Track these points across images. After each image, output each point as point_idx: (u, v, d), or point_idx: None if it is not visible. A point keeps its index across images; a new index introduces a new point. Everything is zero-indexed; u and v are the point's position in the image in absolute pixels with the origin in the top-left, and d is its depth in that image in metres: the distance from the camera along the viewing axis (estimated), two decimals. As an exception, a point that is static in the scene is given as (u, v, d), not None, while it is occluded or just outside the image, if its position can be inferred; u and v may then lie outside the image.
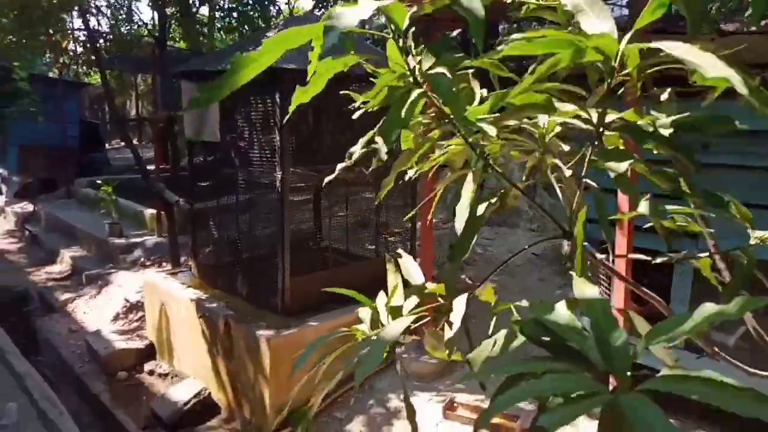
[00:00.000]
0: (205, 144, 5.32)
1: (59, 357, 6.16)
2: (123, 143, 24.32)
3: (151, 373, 5.59)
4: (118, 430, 4.75)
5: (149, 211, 9.69)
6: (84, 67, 16.07)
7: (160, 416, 4.69)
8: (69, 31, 12.30)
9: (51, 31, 9.01)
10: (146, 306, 5.89)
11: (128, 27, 14.47)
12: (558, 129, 1.15)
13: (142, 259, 8.32)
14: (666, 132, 1.00)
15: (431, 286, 1.27)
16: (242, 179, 4.91)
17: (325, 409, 4.50)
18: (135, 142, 25.02)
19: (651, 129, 1.01)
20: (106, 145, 17.26)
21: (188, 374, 5.26)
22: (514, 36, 0.91)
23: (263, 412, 4.37)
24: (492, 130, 1.00)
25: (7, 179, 14.01)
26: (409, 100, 1.00)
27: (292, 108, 1.01)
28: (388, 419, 4.30)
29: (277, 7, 15.26)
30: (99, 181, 9.33)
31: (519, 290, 6.37)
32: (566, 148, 1.17)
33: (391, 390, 4.58)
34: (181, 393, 4.81)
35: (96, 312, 6.99)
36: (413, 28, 0.98)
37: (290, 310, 4.72)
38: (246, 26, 13.78)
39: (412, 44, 1.00)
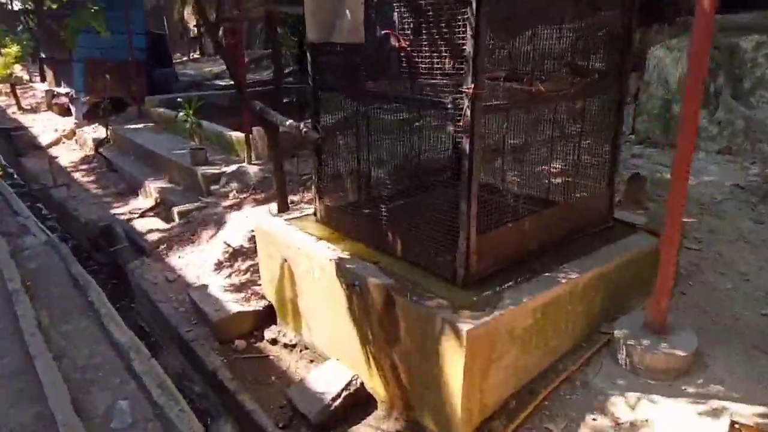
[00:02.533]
0: (339, 48, 3.86)
1: (158, 313, 5.18)
2: (185, 57, 23.12)
3: (274, 342, 4.50)
4: (250, 425, 3.70)
5: (235, 134, 8.48)
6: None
7: (302, 412, 3.59)
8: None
9: None
10: (261, 258, 4.73)
11: None
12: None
13: (235, 192, 7.18)
14: None
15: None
16: (401, 96, 3.47)
17: (530, 416, 3.27)
18: (196, 55, 23.77)
19: None
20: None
21: (324, 351, 4.12)
22: None
23: (449, 418, 3.18)
24: None
25: (75, 99, 13.06)
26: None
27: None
28: (626, 437, 3.03)
29: None
30: (179, 100, 8.09)
31: (734, 236, 4.81)
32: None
33: (615, 390, 3.28)
34: (326, 382, 3.68)
35: (193, 257, 5.95)
36: None
37: (473, 278, 3.40)
38: None
39: None
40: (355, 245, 4.04)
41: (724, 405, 3.08)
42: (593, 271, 3.61)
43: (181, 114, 7.93)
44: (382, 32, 3.42)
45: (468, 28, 2.94)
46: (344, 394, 3.60)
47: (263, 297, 4.80)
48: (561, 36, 3.48)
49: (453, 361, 3.06)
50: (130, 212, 7.87)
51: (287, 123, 4.56)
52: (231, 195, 7.16)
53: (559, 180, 3.84)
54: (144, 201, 8.39)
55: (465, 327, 2.97)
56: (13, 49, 15.17)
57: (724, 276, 4.31)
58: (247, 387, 4.05)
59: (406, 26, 3.35)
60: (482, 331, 3.01)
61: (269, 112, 5.23)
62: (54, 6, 15.05)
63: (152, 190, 8.21)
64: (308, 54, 4.09)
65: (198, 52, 24.15)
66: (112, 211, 8.03)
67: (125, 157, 10.12)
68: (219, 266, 5.58)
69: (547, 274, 3.54)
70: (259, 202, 6.82)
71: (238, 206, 6.81)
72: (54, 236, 6.88)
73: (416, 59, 3.30)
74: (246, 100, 5.34)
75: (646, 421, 3.06)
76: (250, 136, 7.80)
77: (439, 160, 4.73)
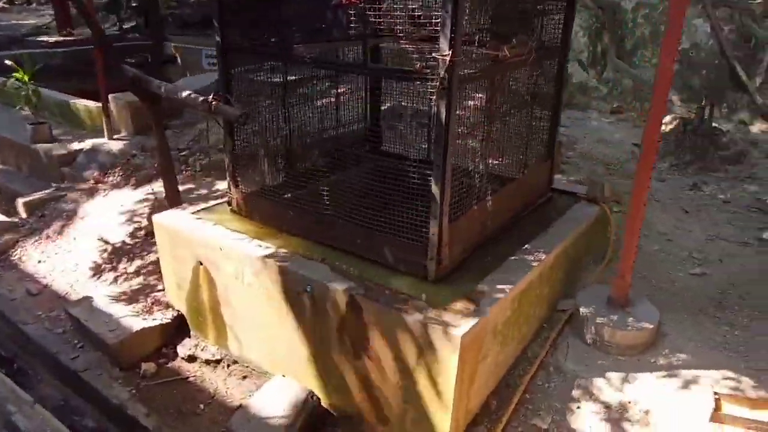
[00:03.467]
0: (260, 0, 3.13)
1: (24, 339, 4.13)
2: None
3: (191, 359, 3.77)
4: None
5: (84, 104, 7.13)
6: None
7: (252, 445, 3.01)
8: None
9: None
10: (163, 260, 3.91)
11: None
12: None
13: (96, 174, 6.02)
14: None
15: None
16: (352, 65, 2.89)
17: (514, 414, 3.03)
18: (2, 3, 20.01)
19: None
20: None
21: (262, 365, 3.52)
22: None
23: (434, 430, 2.83)
24: None
25: None
26: None
27: None
28: (614, 422, 2.92)
29: None
30: (8, 62, 6.51)
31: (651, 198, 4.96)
32: None
33: (591, 373, 3.15)
34: (275, 404, 3.11)
35: (59, 260, 4.86)
36: None
37: (444, 271, 3.02)
38: None
39: None
40: (290, 240, 3.44)
41: (696, 375, 3.08)
42: (557, 249, 3.42)
43: (11, 80, 6.40)
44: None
45: (446, -17, 2.44)
46: (302, 416, 3.07)
47: (168, 306, 4.00)
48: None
49: (442, 369, 2.68)
50: (-47, 206, 6.29)
51: (184, 94, 3.72)
52: (92, 178, 5.98)
53: (512, 154, 3.55)
54: (-30, 190, 6.77)
55: (456, 332, 2.59)
56: None
57: (648, 238, 4.41)
58: (170, 421, 3.34)
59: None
60: (473, 334, 2.66)
61: (148, 79, 4.28)
62: None
63: (-19, 176, 6.64)
64: (217, 7, 3.29)
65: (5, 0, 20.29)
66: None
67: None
68: (98, 270, 4.60)
69: (514, 257, 3.27)
70: (132, 186, 5.77)
71: (104, 192, 5.71)
72: None
73: (373, 19, 2.73)
74: (113, 62, 4.30)
75: (633, 401, 2.96)
76: (108, 106, 6.55)
77: (356, 131, 4.26)
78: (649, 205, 4.82)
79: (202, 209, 3.86)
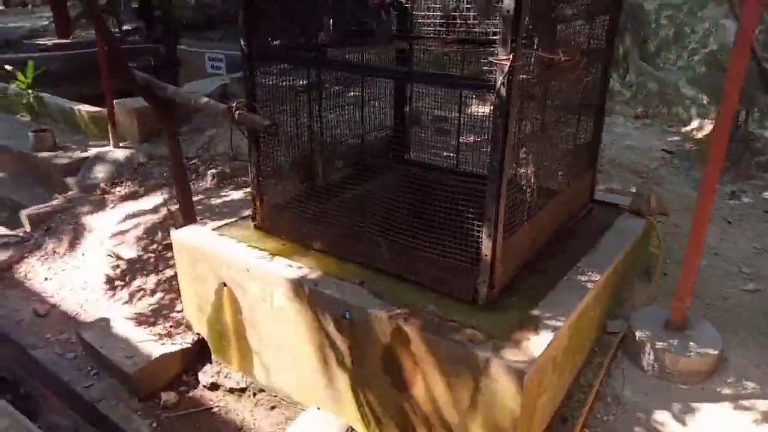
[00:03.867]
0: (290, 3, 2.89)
1: (34, 365, 3.87)
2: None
3: (214, 387, 3.51)
4: None
5: (87, 110, 6.87)
6: None
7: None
8: None
9: None
10: (183, 279, 3.65)
11: None
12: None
13: (103, 184, 5.76)
14: None
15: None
16: (400, 72, 2.65)
17: (572, 448, 2.79)
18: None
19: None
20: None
21: (292, 396, 3.27)
22: None
23: (487, 474, 2.58)
24: None
25: None
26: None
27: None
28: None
29: None
30: (7, 67, 6.24)
31: (682, 206, 4.74)
32: None
33: (653, 403, 2.90)
34: (312, 441, 2.86)
35: (68, 277, 4.60)
36: None
37: (494, 295, 2.78)
38: None
39: None
40: (322, 259, 3.19)
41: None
42: (609, 268, 3.18)
43: (13, 86, 6.12)
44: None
45: (510, -18, 2.20)
46: (342, 455, 2.83)
47: (188, 327, 3.75)
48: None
49: (500, 408, 2.43)
50: (-48, 218, 6.01)
51: (203, 101, 3.46)
52: (99, 188, 5.72)
53: (560, 164, 3.31)
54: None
55: (518, 367, 2.35)
56: None
57: (693, 250, 4.17)
58: (195, 459, 3.09)
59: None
60: (535, 369, 2.41)
61: (162, 85, 4.02)
62: None
63: (-18, 186, 6.37)
64: (241, 11, 3.04)
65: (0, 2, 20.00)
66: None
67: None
68: (110, 287, 4.34)
69: (566, 278, 3.03)
70: (141, 196, 5.51)
71: (112, 203, 5.45)
72: None
73: (419, 20, 2.49)
74: (123, 66, 4.04)
75: (704, 437, 2.73)
76: (114, 113, 6.28)
77: (381, 138, 4.02)
78: (688, 216, 4.61)
79: (224, 225, 3.61)
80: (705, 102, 5.99)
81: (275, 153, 3.42)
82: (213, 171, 5.65)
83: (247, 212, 3.74)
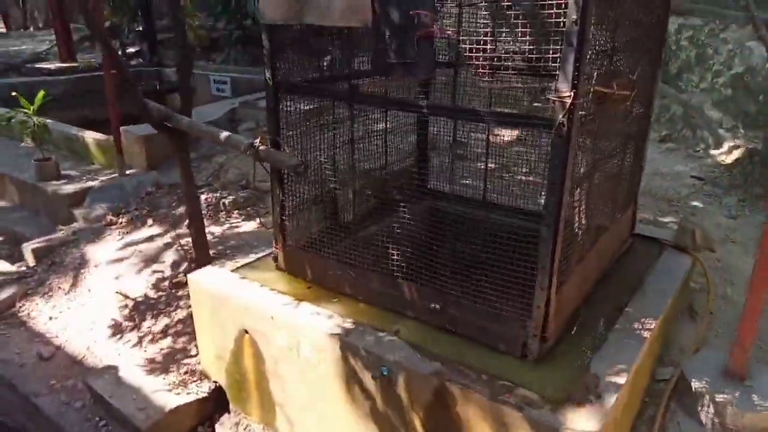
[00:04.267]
0: (324, 34, 2.69)
1: (38, 414, 3.61)
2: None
3: (233, 441, 3.26)
4: None
5: (92, 137, 6.67)
6: None
7: None
8: None
9: None
10: (200, 325, 3.41)
11: None
12: None
13: (110, 216, 5.54)
14: None
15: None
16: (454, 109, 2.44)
17: None
18: None
19: None
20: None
21: (320, 450, 3.01)
22: None
23: None
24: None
25: None
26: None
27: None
28: None
29: None
30: (14, 94, 6.04)
31: (719, 236, 4.52)
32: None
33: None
34: None
35: (73, 316, 4.35)
36: None
37: (546, 348, 2.54)
38: None
39: None
40: (353, 306, 2.95)
41: None
42: (662, 314, 2.95)
43: (15, 114, 5.92)
44: (406, 12, 2.34)
45: (572, 6, 2.00)
46: None
47: (204, 375, 3.50)
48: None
49: (562, 479, 2.19)
50: (-48, 251, 5.77)
51: (223, 135, 3.25)
52: (105, 220, 5.49)
53: (607, 200, 3.09)
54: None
55: (583, 435, 2.11)
56: None
57: (736, 286, 3.94)
58: None
59: (450, 4, 2.31)
60: (603, 436, 2.17)
61: (177, 117, 3.81)
62: None
63: (-17, 217, 6.14)
64: (265, 40, 2.84)
65: (2, 25, 19.92)
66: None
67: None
68: (118, 329, 4.09)
69: (618, 326, 2.80)
70: (150, 228, 5.28)
71: (120, 235, 5.22)
72: None
73: (470, 53, 2.29)
74: (136, 95, 3.82)
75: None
76: (120, 140, 6.08)
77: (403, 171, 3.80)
78: (727, 247, 4.40)
79: (244, 266, 3.38)
80: (732, 125, 5.81)
81: (298, 189, 3.21)
82: (225, 201, 5.43)
83: (266, 250, 3.52)
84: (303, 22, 2.68)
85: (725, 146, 5.59)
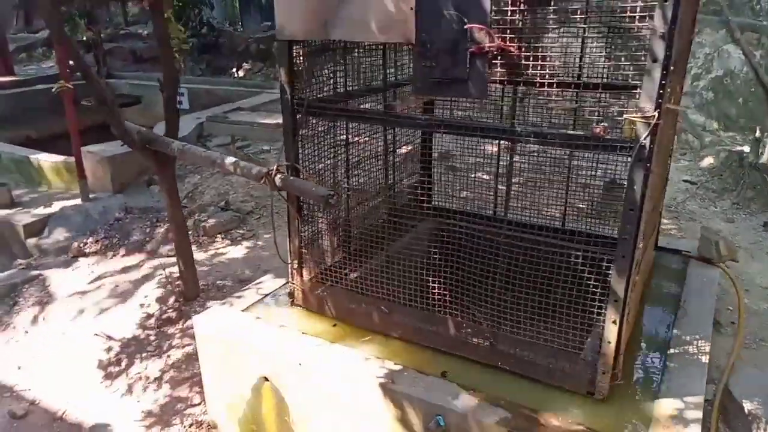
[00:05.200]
0: (357, 50, 2.42)
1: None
2: None
3: (254, 502, 2.92)
4: None
5: (45, 159, 6.12)
6: None
7: None
8: None
9: None
10: (207, 370, 3.06)
11: None
12: None
13: (77, 245, 5.05)
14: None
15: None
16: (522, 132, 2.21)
17: None
18: None
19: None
20: None
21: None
22: None
23: None
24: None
25: None
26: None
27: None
28: None
29: None
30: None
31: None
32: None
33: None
34: None
35: (47, 366, 3.87)
36: None
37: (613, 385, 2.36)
38: None
39: None
40: (386, 345, 2.69)
41: None
42: (710, 333, 2.83)
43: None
44: (459, 25, 2.11)
45: (659, 18, 1.82)
46: None
47: (212, 427, 3.14)
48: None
49: None
50: None
51: (230, 162, 2.91)
52: (71, 250, 5.00)
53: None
54: None
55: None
56: None
57: (751, 293, 3.91)
58: None
59: (507, 16, 2.09)
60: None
61: (163, 140, 3.45)
62: None
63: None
64: (283, 57, 2.54)
65: None
66: None
67: None
68: (104, 375, 3.66)
69: (671, 351, 2.65)
70: (122, 257, 4.84)
71: (89, 267, 4.75)
72: None
73: (529, 70, 2.08)
74: (116, 117, 3.41)
75: None
76: (81, 162, 5.56)
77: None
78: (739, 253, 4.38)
79: (255, 304, 3.05)
80: (715, 128, 5.87)
81: (316, 217, 2.91)
82: (205, 224, 5.04)
83: (264, 281, 3.23)
84: (329, 38, 2.41)
85: (712, 149, 5.64)
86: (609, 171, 2.76)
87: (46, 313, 4.23)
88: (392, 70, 2.88)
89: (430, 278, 2.68)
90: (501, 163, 3.00)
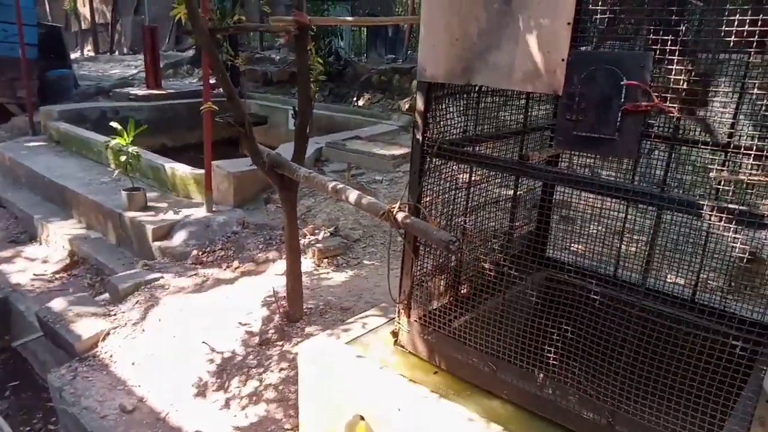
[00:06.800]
0: (493, 95, 2.37)
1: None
2: (76, 54, 19.72)
3: None
4: None
5: (182, 170, 6.57)
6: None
7: None
8: None
9: None
10: (304, 398, 3.06)
11: None
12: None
13: (196, 253, 5.33)
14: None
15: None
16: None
17: None
18: (89, 51, 20.48)
19: None
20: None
21: None
22: None
23: None
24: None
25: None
26: None
27: None
28: None
29: None
30: (113, 125, 6.01)
31: None
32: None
33: None
34: None
35: (157, 366, 4.08)
36: None
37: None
38: None
39: None
40: (490, 405, 2.53)
41: None
42: None
43: (113, 142, 5.87)
44: (614, 81, 1.99)
45: None
46: None
47: (301, 457, 3.13)
48: None
49: None
50: (34, 276, 5.70)
51: (353, 196, 2.92)
52: (191, 257, 5.30)
53: None
54: (46, 251, 6.23)
55: None
56: None
57: None
58: None
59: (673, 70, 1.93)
60: None
61: (289, 165, 3.57)
62: None
63: (61, 238, 6.08)
64: (420, 98, 2.54)
65: (92, 48, 20.86)
66: (4, 273, 5.79)
67: (14, 188, 7.74)
68: (203, 387, 3.79)
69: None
70: (234, 271, 5.05)
71: (205, 277, 4.99)
72: None
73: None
74: (251, 138, 3.59)
75: None
76: (210, 176, 5.93)
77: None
78: None
79: (359, 339, 3.02)
80: None
81: (428, 258, 2.85)
82: (314, 248, 5.16)
83: (371, 314, 3.20)
84: (471, 83, 2.37)
85: None
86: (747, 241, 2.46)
87: (162, 315, 4.48)
88: (517, 116, 2.80)
89: (547, 338, 2.51)
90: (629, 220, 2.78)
